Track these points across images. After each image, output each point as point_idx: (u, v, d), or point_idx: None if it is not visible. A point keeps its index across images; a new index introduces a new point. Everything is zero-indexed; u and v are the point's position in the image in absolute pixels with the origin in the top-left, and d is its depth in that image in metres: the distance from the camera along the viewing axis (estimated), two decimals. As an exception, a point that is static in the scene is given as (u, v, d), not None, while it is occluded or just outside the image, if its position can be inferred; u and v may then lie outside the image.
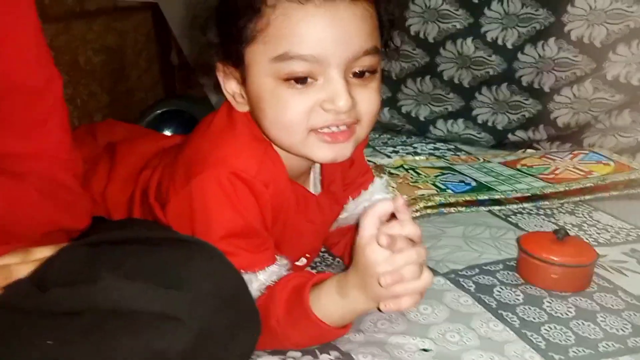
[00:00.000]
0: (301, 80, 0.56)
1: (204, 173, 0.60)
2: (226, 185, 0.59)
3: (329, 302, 0.59)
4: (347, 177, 0.78)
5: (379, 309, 0.59)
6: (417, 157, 1.29)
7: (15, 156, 0.54)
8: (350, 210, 0.79)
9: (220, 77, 0.64)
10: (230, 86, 0.63)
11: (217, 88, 0.65)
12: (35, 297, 0.45)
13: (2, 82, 0.52)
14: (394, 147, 1.40)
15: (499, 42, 1.38)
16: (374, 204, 0.58)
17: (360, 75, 0.59)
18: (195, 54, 0.68)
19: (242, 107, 0.64)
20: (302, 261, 0.77)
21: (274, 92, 0.57)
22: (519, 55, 1.37)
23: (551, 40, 1.33)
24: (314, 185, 0.73)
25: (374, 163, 1.19)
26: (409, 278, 0.55)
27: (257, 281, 0.60)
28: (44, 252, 0.54)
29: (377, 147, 1.38)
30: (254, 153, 0.62)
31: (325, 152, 0.60)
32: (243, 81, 0.61)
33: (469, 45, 1.41)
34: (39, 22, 0.55)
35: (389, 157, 1.30)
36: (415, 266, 0.55)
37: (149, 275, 0.46)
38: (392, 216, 0.58)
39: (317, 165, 0.73)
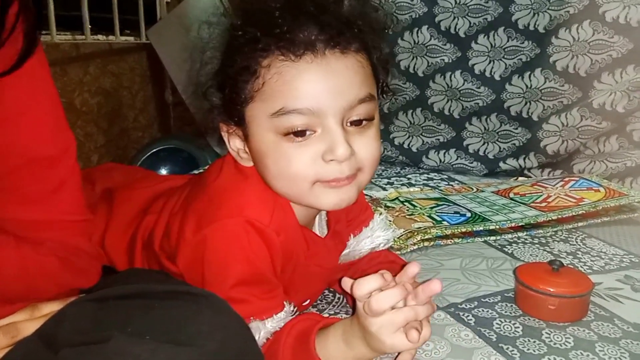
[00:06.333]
0: (300, 133, 0.58)
1: (219, 222, 0.61)
2: (240, 234, 0.60)
3: (335, 349, 0.60)
4: (349, 215, 0.80)
5: None
6: (411, 189, 1.31)
7: (33, 223, 0.54)
8: (352, 247, 0.80)
9: (225, 135, 0.65)
10: (234, 143, 0.65)
11: (222, 143, 0.67)
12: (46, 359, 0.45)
13: (19, 155, 0.52)
14: (389, 178, 1.42)
15: (487, 74, 1.42)
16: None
17: (357, 123, 0.60)
18: (200, 117, 0.68)
19: (246, 162, 0.65)
20: (306, 301, 0.77)
21: (276, 147, 0.59)
22: (507, 86, 1.41)
23: (537, 71, 1.37)
24: (319, 227, 0.74)
25: (370, 197, 1.20)
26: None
27: (265, 329, 0.61)
28: (51, 307, 0.55)
29: (371, 179, 1.39)
30: (265, 202, 0.63)
31: (331, 198, 0.61)
32: (246, 138, 0.63)
33: (457, 78, 1.44)
34: (56, 93, 0.55)
35: (384, 189, 1.31)
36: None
37: (158, 332, 0.46)
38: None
39: None
